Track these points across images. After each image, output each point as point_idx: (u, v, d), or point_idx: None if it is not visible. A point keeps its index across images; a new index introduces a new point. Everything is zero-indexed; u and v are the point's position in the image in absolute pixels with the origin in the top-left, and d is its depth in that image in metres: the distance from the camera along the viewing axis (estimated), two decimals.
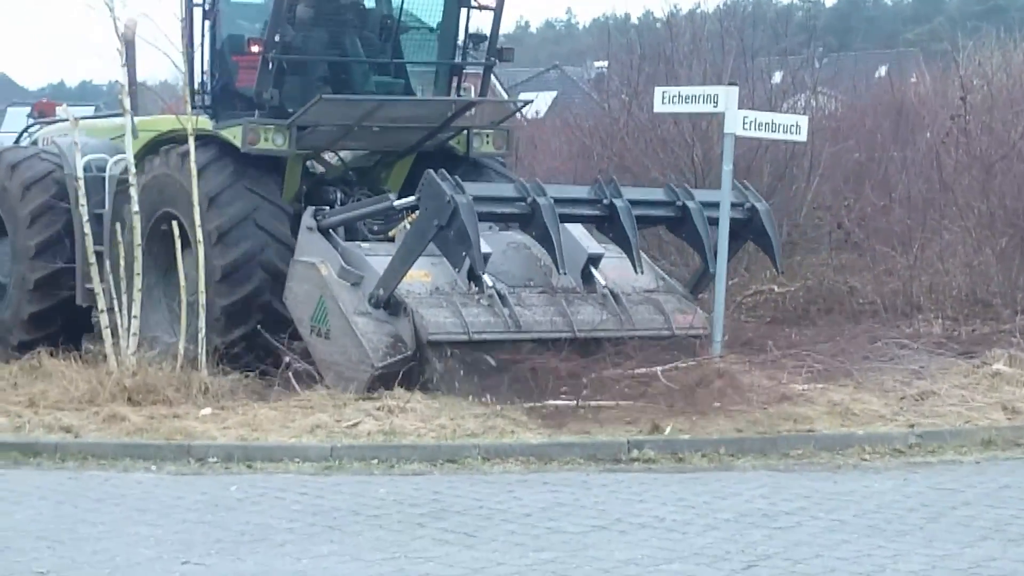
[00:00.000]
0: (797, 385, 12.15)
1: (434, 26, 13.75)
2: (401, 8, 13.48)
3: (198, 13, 13.19)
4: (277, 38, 12.66)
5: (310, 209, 12.29)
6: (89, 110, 25.85)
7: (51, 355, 13.27)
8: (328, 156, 13.87)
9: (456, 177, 11.62)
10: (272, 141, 12.59)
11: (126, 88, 13.08)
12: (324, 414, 11.47)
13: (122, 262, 12.67)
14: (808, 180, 19.02)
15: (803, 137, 13.93)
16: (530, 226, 11.87)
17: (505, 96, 44.84)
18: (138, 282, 12.77)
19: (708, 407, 11.44)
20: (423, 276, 11.79)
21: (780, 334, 14.58)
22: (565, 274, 11.89)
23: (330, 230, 12.27)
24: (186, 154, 12.57)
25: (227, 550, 7.98)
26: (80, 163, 13.30)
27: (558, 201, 11.83)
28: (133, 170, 12.74)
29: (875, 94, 24.54)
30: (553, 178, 21.94)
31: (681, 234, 13.02)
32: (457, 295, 11.78)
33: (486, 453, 10.48)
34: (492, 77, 15.09)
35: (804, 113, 18.42)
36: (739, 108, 12.97)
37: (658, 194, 13.08)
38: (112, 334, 12.55)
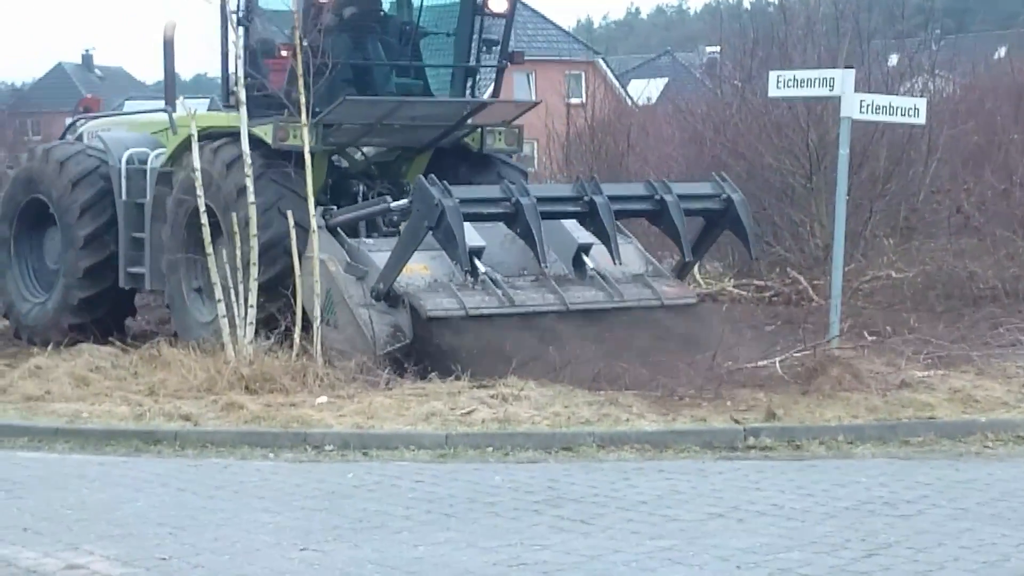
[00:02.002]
0: (917, 372, 11.97)
1: (450, 32, 14.56)
2: (420, 15, 14.41)
3: (232, 19, 13.91)
4: (305, 43, 13.17)
5: (319, 209, 12.95)
6: (204, 103, 26.23)
7: (170, 344, 13.46)
8: (352, 152, 14.61)
9: (444, 182, 12.41)
10: (300, 138, 13.10)
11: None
12: (438, 402, 11.51)
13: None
14: (926, 164, 18.73)
15: (922, 120, 13.73)
16: (515, 224, 12.69)
17: (617, 84, 44.72)
18: (254, 271, 12.93)
19: (825, 394, 11.29)
20: (422, 269, 12.62)
21: (898, 320, 14.39)
22: (547, 267, 12.75)
23: (336, 228, 13.03)
24: (218, 149, 13.56)
25: (344, 537, 8.02)
26: (124, 156, 14.64)
27: (541, 200, 12.75)
28: (248, 161, 12.91)
29: (994, 76, 24.13)
30: (665, 165, 21.91)
31: (660, 226, 13.67)
32: (454, 284, 12.66)
33: (601, 441, 10.45)
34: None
35: (921, 96, 18.11)
36: (855, 92, 12.77)
37: (638, 189, 13.88)
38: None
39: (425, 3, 14.48)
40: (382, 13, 14.13)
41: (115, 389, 12.58)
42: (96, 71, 73.53)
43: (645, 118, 26.70)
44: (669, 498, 8.84)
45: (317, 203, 13.04)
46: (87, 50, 77.26)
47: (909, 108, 13.30)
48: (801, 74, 13.39)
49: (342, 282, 12.51)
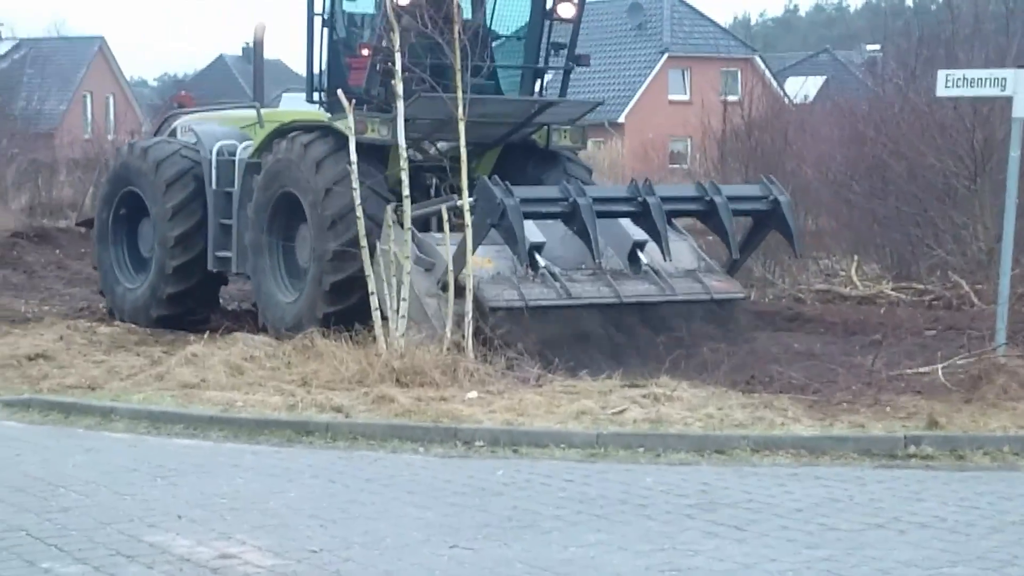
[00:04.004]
0: None
1: (521, 35, 15.44)
2: (492, 19, 15.22)
3: (318, 21, 14.86)
4: (384, 43, 14.09)
5: (391, 205, 13.63)
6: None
7: (323, 335, 13.54)
8: (426, 146, 15.31)
9: (506, 182, 13.16)
10: (378, 131, 14.16)
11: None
12: (589, 400, 11.41)
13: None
14: None
15: None
16: (572, 222, 13.37)
17: (774, 82, 44.16)
18: (407, 265, 12.96)
19: (990, 403, 10.94)
20: (487, 263, 13.25)
21: None
22: (599, 263, 13.46)
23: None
24: (308, 144, 14.53)
25: (494, 535, 7.94)
26: (214, 148, 15.70)
27: (597, 200, 13.46)
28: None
29: None
30: (823, 164, 21.52)
31: (710, 225, 14.40)
32: (515, 276, 13.31)
33: (755, 444, 10.24)
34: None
35: None
36: None
37: (689, 190, 14.71)
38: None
39: (498, 8, 15.21)
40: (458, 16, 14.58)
41: (268, 379, 12.69)
42: None
43: (802, 116, 26.23)
44: (826, 506, 8.61)
45: (392, 197, 13.73)
46: (247, 43, 78.50)
47: None
48: (971, 73, 13.00)
49: (411, 273, 13.06)
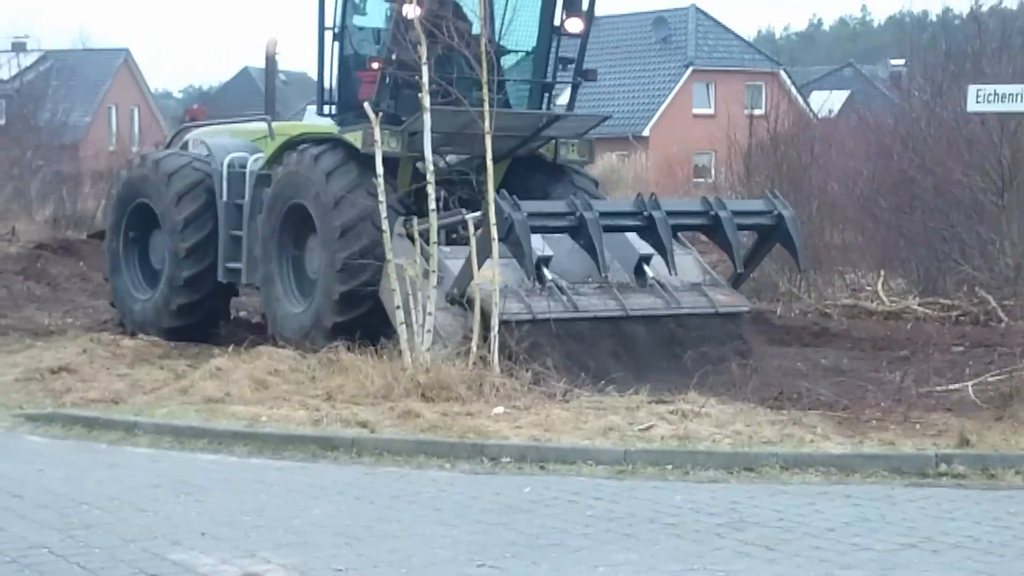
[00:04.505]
0: None
1: (529, 50, 15.57)
2: (501, 34, 15.30)
3: (328, 35, 15.08)
4: (394, 57, 14.35)
5: (400, 219, 13.81)
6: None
7: (348, 349, 13.48)
8: (435, 159, 15.05)
9: (514, 197, 13.22)
10: (387, 144, 14.09)
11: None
12: (616, 416, 11.31)
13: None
14: None
15: None
16: (578, 236, 13.54)
17: (798, 96, 44.05)
18: (433, 279, 12.91)
19: (1021, 421, 10.81)
20: (496, 276, 13.01)
21: None
22: (606, 276, 13.57)
23: (416, 236, 13.65)
24: (319, 156, 14.66)
25: (522, 554, 7.85)
26: (226, 160, 15.84)
27: (603, 214, 13.61)
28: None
29: None
30: (850, 179, 21.40)
31: (715, 239, 14.48)
32: (523, 289, 13.35)
33: (785, 462, 10.10)
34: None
35: None
36: None
37: (694, 205, 14.86)
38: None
39: (507, 23, 15.25)
40: (467, 31, 14.81)
41: (293, 393, 12.63)
42: (281, 75, 74.83)
43: (828, 131, 26.10)
44: (858, 525, 8.50)
45: (402, 209, 14.00)
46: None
47: None
48: (1002, 88, 12.90)
49: (419, 286, 13.17)
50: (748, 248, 14.82)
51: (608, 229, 13.59)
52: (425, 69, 13.24)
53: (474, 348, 12.67)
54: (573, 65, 15.44)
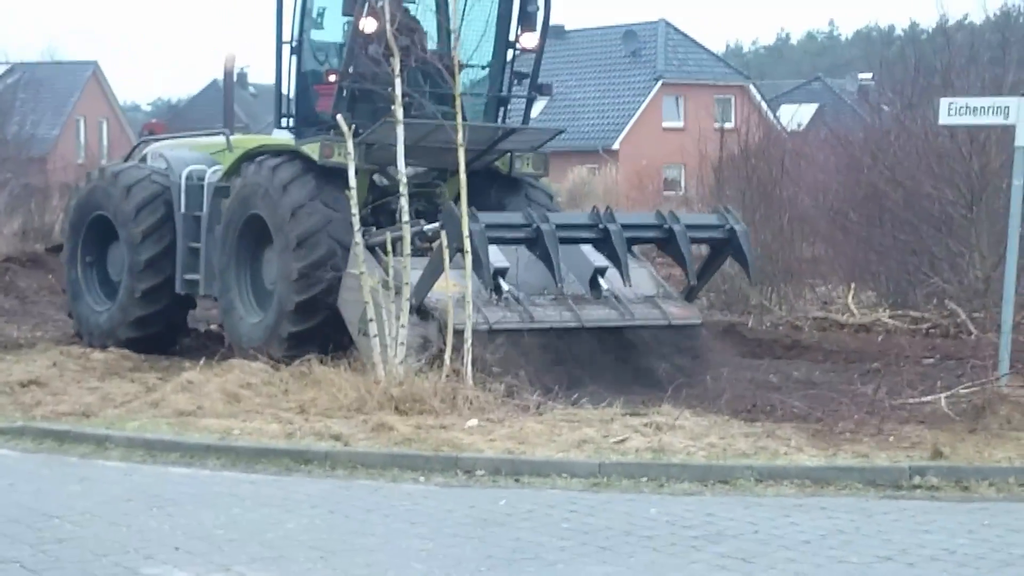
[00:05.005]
0: None
1: (485, 64, 15.70)
2: (457, 48, 15.22)
3: (286, 49, 15.29)
4: (351, 70, 14.65)
5: (359, 230, 13.64)
6: None
7: (321, 362, 13.44)
8: (392, 171, 15.20)
9: (472, 208, 13.21)
10: (344, 156, 13.91)
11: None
12: (591, 429, 11.30)
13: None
14: None
15: None
16: (535, 247, 13.62)
17: (767, 109, 44.27)
18: (406, 291, 12.88)
19: (994, 433, 10.85)
20: (452, 286, 13.22)
21: None
22: (561, 288, 13.71)
23: (375, 247, 13.70)
24: (276, 167, 14.78)
25: (498, 567, 7.83)
26: (184, 173, 15.99)
27: (559, 227, 13.75)
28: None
29: None
30: (820, 192, 21.45)
31: (669, 252, 14.69)
32: (479, 300, 13.37)
33: (759, 474, 10.11)
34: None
35: None
36: None
37: (648, 218, 14.93)
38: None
39: (463, 37, 15.30)
40: (423, 45, 15.00)
41: (266, 406, 12.57)
42: (251, 88, 74.64)
43: (797, 144, 26.19)
44: (833, 537, 8.51)
45: (360, 222, 13.81)
46: (242, 68, 78.32)
47: None
48: (974, 102, 12.96)
49: (378, 296, 13.30)
50: (701, 261, 15.04)
51: (564, 241, 13.74)
52: (398, 82, 13.26)
53: (447, 361, 12.64)
54: (528, 80, 15.61)
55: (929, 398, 12.03)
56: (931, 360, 14.91)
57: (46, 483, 10.26)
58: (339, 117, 13.74)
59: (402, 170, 13.33)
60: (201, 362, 14.30)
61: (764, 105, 47.91)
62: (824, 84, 60.93)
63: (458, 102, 13.34)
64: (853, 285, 19.01)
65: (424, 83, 14.97)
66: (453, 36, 14.02)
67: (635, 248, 14.66)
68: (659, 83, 54.91)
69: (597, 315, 13.88)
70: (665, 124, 53.65)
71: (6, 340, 17.33)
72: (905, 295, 18.62)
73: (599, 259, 14.25)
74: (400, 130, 13.34)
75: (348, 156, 13.45)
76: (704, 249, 15.26)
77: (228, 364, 14.10)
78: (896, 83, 21.27)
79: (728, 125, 26.28)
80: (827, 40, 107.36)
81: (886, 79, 23.20)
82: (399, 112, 13.34)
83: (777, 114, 43.37)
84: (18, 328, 18.51)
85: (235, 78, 17.34)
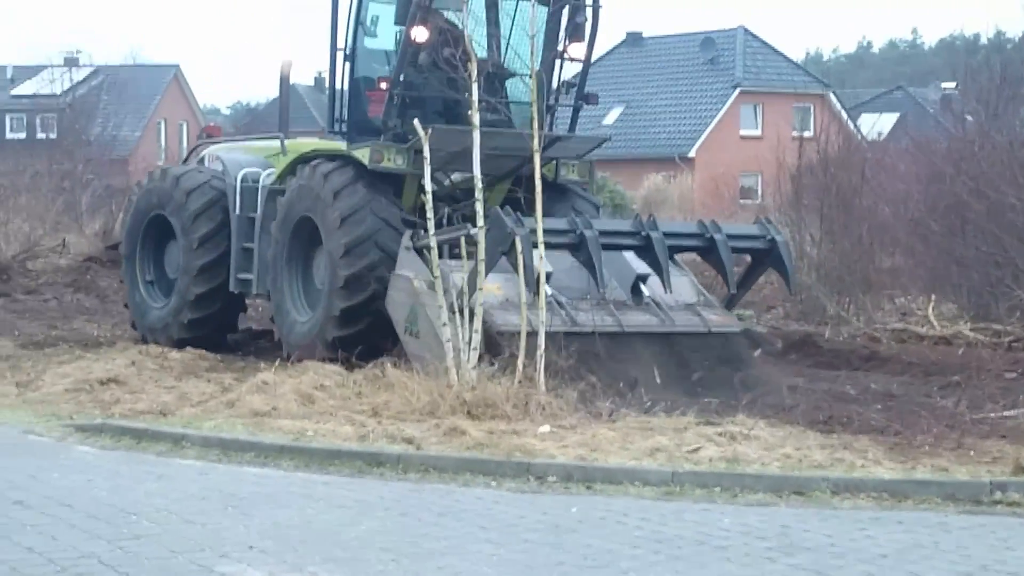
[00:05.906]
0: None
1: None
2: (506, 57, 15.72)
3: (340, 56, 15.50)
4: (402, 78, 15.06)
5: (407, 232, 14.22)
6: None
7: (394, 366, 13.46)
8: (440, 177, 15.63)
9: (517, 213, 13.59)
10: (394, 161, 14.85)
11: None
12: (664, 437, 11.23)
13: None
14: None
15: None
16: (578, 253, 13.89)
17: (848, 119, 43.90)
18: (480, 296, 12.88)
19: None
20: (496, 289, 13.56)
21: None
22: (603, 293, 13.87)
23: (423, 250, 13.89)
24: (329, 174, 15.02)
25: (570, 574, 7.79)
26: (239, 175, 16.27)
27: (602, 233, 13.98)
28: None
29: None
30: (901, 202, 21.22)
31: (710, 261, 14.93)
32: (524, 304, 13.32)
33: (835, 486, 9.99)
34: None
35: None
36: None
37: (690, 227, 15.38)
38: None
39: (512, 47, 15.70)
40: (473, 54, 14.97)
41: (339, 408, 12.60)
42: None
43: (877, 153, 25.93)
44: (911, 552, 8.38)
45: (409, 224, 14.39)
46: (319, 73, 78.97)
47: None
48: None
49: (424, 298, 13.56)
50: (741, 271, 15.14)
51: (607, 247, 13.94)
52: (475, 87, 13.29)
53: (520, 366, 12.62)
54: (575, 89, 15.76)
55: (1011, 412, 11.86)
56: (1013, 374, 14.68)
57: (123, 480, 10.34)
58: (416, 122, 13.81)
59: (477, 175, 13.34)
60: (276, 363, 14.39)
61: (844, 114, 47.49)
62: (906, 93, 60.37)
63: (534, 108, 13.37)
64: (933, 297, 18.78)
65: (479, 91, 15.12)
66: (502, 46, 14.08)
67: (678, 257, 14.83)
68: (737, 91, 54.66)
69: (638, 320, 14.00)
70: (742, 132, 53.39)
71: (86, 339, 17.54)
72: (987, 308, 18.36)
73: (641, 266, 14.41)
74: (476, 135, 13.35)
75: (421, 158, 13.50)
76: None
77: (302, 366, 14.19)
78: (981, 92, 21.07)
79: (807, 134, 26.05)
80: (909, 48, 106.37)
81: (970, 88, 22.95)
82: (475, 118, 13.36)
83: (857, 123, 43.00)
84: (98, 327, 18.73)
85: (291, 82, 17.41)
